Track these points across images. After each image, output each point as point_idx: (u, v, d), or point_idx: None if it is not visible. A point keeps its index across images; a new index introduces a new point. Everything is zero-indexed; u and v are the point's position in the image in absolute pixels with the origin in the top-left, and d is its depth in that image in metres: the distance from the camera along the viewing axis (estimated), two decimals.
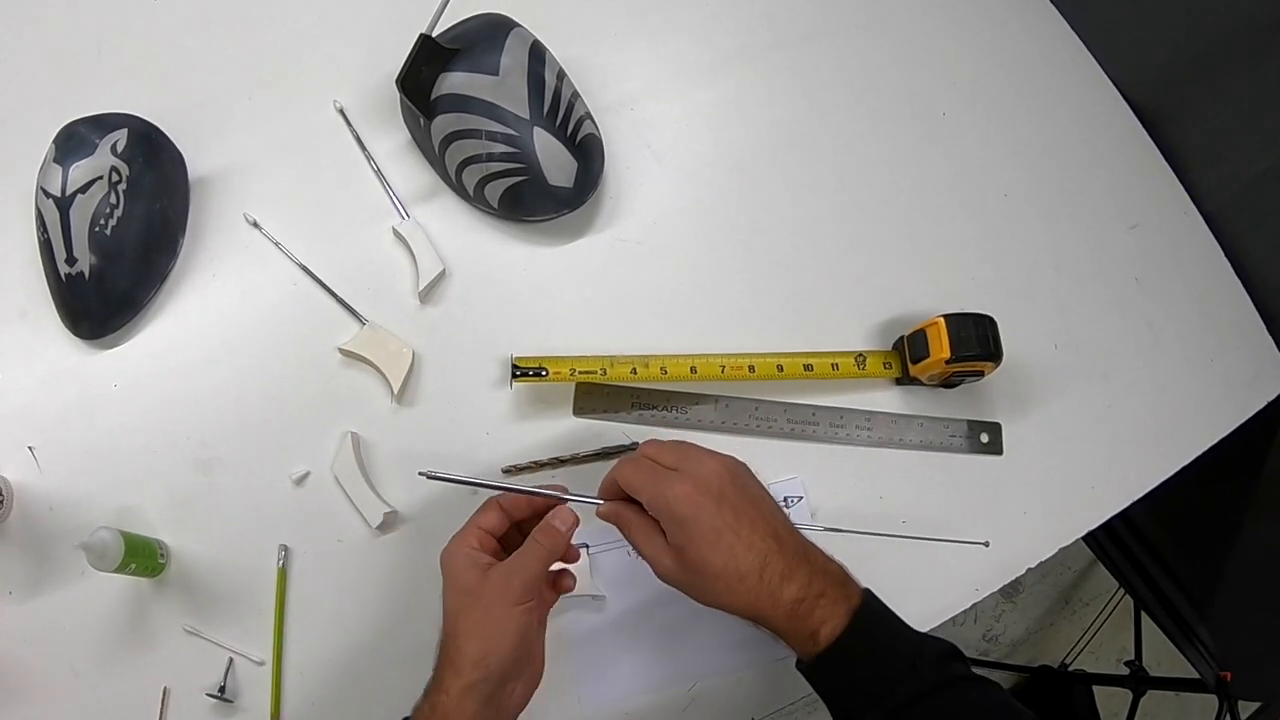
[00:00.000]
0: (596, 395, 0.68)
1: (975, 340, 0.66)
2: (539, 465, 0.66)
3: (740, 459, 0.54)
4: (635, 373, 0.66)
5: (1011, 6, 0.83)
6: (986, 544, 0.65)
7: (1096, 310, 0.76)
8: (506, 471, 0.66)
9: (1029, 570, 0.69)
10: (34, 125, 0.75)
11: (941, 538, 0.65)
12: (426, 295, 0.70)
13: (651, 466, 0.52)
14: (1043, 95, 0.81)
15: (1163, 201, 0.79)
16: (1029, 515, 0.71)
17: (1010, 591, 0.69)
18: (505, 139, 0.67)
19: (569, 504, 0.55)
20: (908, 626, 0.53)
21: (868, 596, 0.52)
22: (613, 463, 0.66)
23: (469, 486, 0.60)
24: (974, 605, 0.68)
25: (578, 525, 0.54)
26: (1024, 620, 1.23)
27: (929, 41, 0.80)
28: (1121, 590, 0.95)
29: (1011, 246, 0.76)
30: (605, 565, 0.65)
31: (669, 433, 0.68)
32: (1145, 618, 0.97)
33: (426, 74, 0.69)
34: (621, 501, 0.54)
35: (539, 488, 0.56)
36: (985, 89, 0.79)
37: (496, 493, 0.57)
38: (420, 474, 0.55)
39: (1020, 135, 0.79)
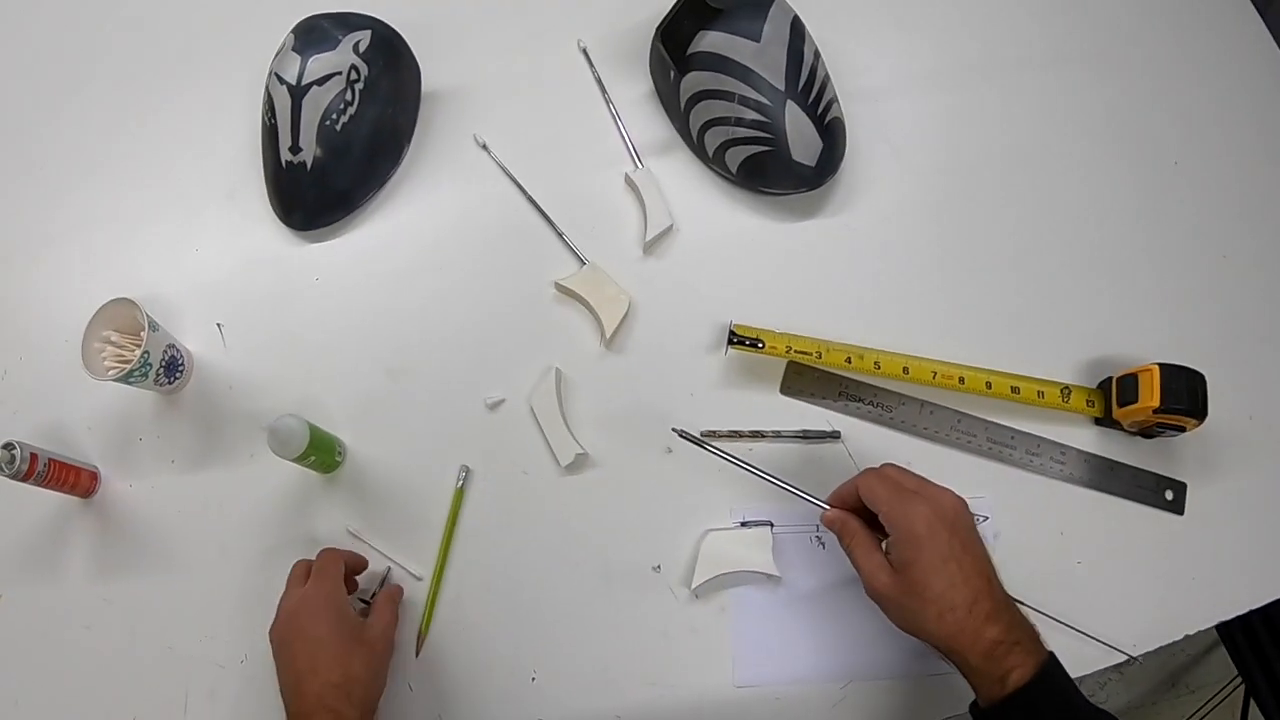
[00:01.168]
0: (807, 377, 0.67)
1: (1186, 394, 0.65)
2: (738, 435, 0.65)
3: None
4: (849, 362, 0.66)
5: (1251, 66, 0.82)
6: (1132, 659, 0.64)
7: None
8: (706, 435, 0.65)
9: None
10: (268, 14, 0.76)
11: (1091, 635, 0.64)
12: (651, 247, 0.69)
13: (895, 484, 0.55)
14: (1271, 160, 0.79)
15: None
16: (1195, 583, 0.69)
17: (1122, 662, 0.67)
18: (757, 106, 0.67)
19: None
20: (1086, 697, 0.53)
21: (1054, 658, 0.53)
22: (813, 446, 0.66)
23: (720, 457, 0.61)
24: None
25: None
26: (1128, 694, 1.21)
27: (1169, 89, 0.79)
28: (1232, 685, 0.92)
29: (1221, 309, 0.75)
30: (785, 547, 0.64)
31: (870, 427, 0.67)
32: (1254, 714, 0.95)
33: (687, 28, 0.68)
34: (849, 512, 0.57)
35: (807, 495, 0.59)
36: (1218, 144, 0.78)
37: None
38: (674, 430, 0.60)
39: (1245, 198, 0.77)
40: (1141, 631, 0.67)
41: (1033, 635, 0.53)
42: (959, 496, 0.55)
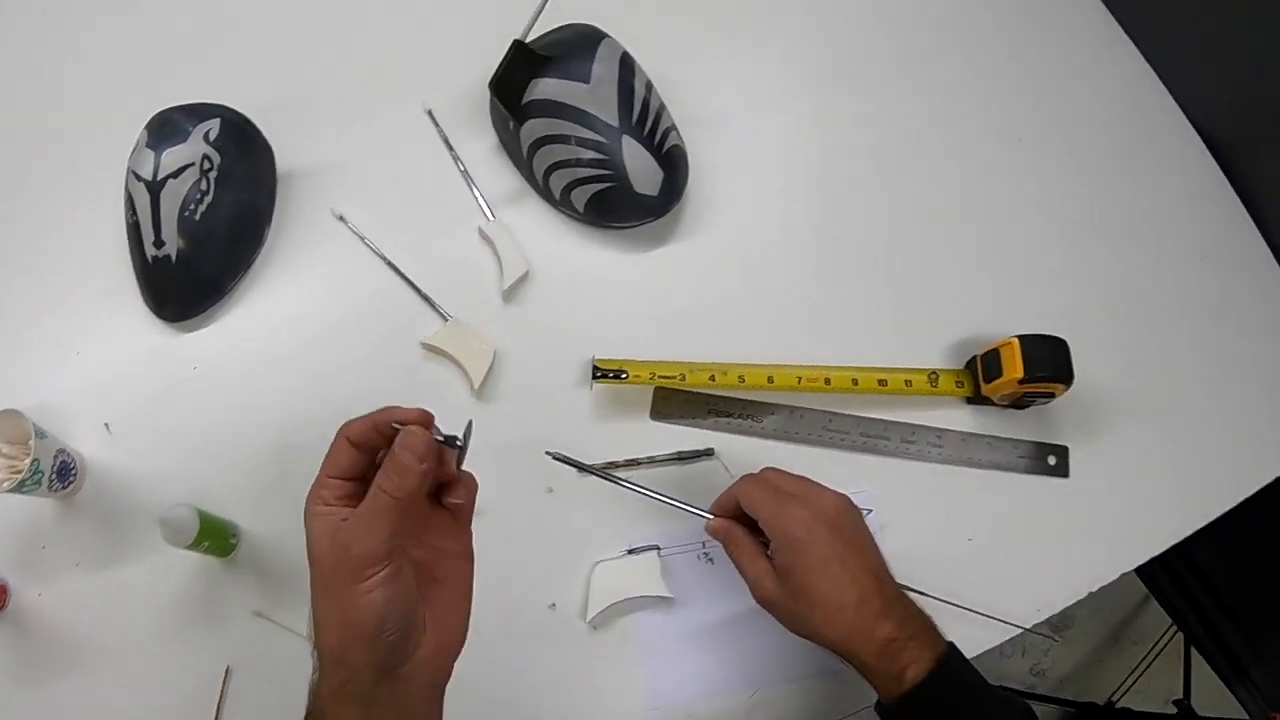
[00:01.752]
0: (674, 400, 0.68)
1: (1048, 361, 0.67)
2: (614, 465, 0.67)
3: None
4: (713, 380, 0.67)
5: (1087, 37, 0.85)
6: (1056, 640, 0.66)
7: (1166, 339, 0.76)
8: (583, 471, 0.66)
9: (1080, 604, 0.69)
10: (126, 111, 0.77)
11: (1010, 621, 0.65)
12: (510, 295, 0.71)
13: (774, 489, 0.55)
14: (1117, 125, 0.82)
15: (1234, 234, 0.80)
16: (1092, 540, 0.71)
17: (1060, 625, 0.69)
18: (594, 145, 0.69)
19: (434, 428, 0.44)
20: (989, 683, 0.53)
21: (952, 648, 0.52)
22: (689, 466, 0.68)
23: (587, 474, 0.62)
24: (1023, 638, 0.68)
25: (431, 450, 0.43)
26: (1072, 655, 1.22)
27: (1007, 69, 0.82)
28: (1172, 630, 0.94)
29: (1085, 273, 0.77)
30: (675, 567, 0.65)
31: (743, 439, 0.69)
32: (1195, 658, 0.96)
33: (519, 79, 0.70)
34: (733, 520, 0.57)
35: (689, 506, 0.58)
36: (1061, 117, 0.81)
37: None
38: (548, 453, 0.60)
39: (1095, 163, 0.80)
40: (1045, 596, 0.68)
41: (928, 627, 0.52)
42: (841, 495, 0.55)
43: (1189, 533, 0.72)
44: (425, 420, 0.44)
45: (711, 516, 0.58)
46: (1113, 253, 0.78)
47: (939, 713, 0.50)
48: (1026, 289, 0.75)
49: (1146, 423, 0.74)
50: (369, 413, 0.44)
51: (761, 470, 0.58)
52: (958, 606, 0.64)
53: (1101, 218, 0.79)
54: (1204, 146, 0.82)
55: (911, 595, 0.56)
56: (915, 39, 0.82)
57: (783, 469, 0.58)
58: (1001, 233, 0.77)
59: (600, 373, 0.66)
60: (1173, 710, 1.01)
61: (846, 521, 0.54)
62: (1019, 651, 1.19)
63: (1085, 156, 0.80)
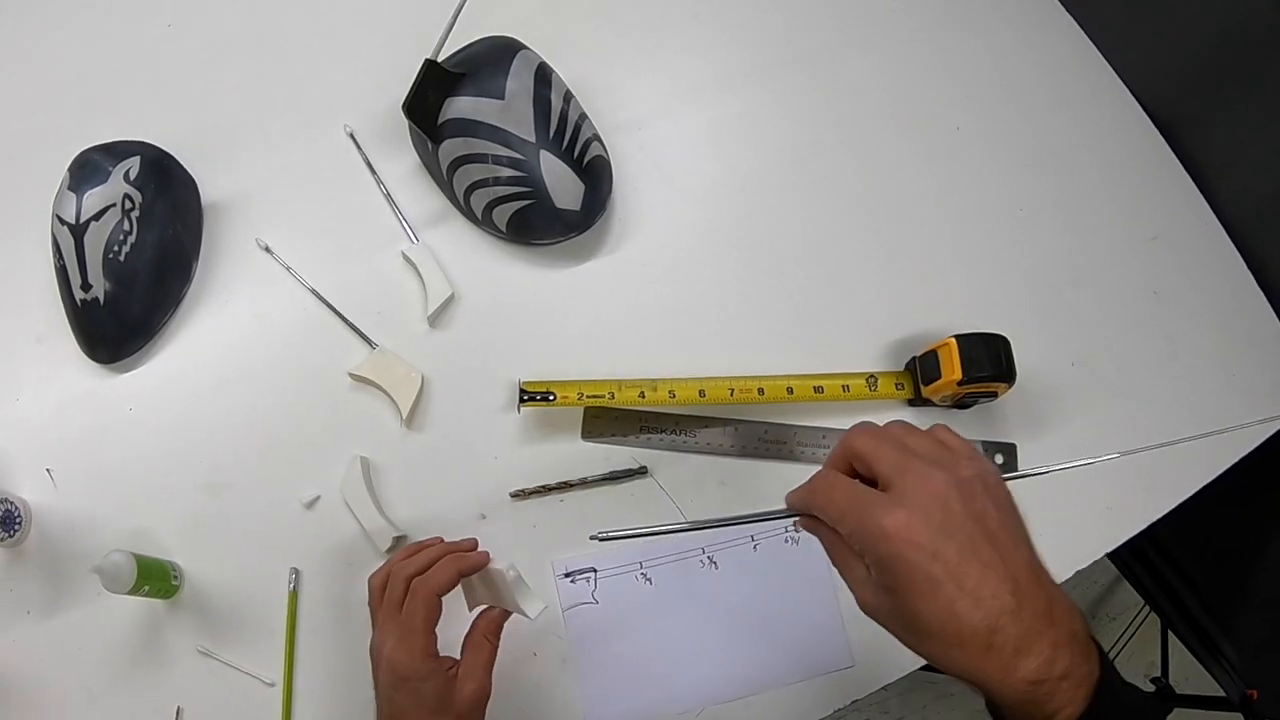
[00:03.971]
0: (605, 419, 0.67)
1: (987, 360, 0.65)
2: (547, 489, 0.66)
3: (990, 465, 0.42)
4: (643, 396, 0.66)
5: (1026, 16, 0.82)
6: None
7: (1114, 326, 0.75)
8: (515, 496, 0.66)
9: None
10: (51, 153, 0.76)
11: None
12: (435, 319, 0.70)
13: (851, 488, 0.41)
14: (1059, 106, 0.79)
15: (1182, 212, 0.78)
16: (1044, 537, 0.69)
17: None
18: (511, 162, 0.67)
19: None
20: (1145, 698, 0.42)
21: (1105, 666, 0.39)
22: (622, 485, 0.67)
23: (637, 537, 0.47)
24: None
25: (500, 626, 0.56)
26: None
27: (941, 55, 0.79)
28: (1147, 608, 0.93)
29: (1027, 262, 0.75)
30: (614, 588, 0.65)
31: (677, 455, 0.68)
32: (1172, 636, 0.95)
33: (433, 99, 0.69)
34: (817, 520, 0.43)
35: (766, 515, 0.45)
36: (1000, 102, 0.78)
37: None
38: (593, 538, 0.46)
39: (1036, 148, 0.78)
40: None
41: (1085, 647, 0.39)
42: (964, 468, 0.40)
43: (1145, 526, 0.70)
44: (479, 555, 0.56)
45: (791, 516, 0.45)
46: (1058, 239, 0.76)
47: None
48: (967, 284, 0.74)
49: (1098, 413, 0.72)
50: (438, 560, 0.54)
51: (844, 440, 0.43)
52: None
53: (1045, 204, 0.77)
54: (1151, 124, 0.80)
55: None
56: (839, 29, 0.80)
57: (874, 429, 0.43)
58: (940, 227, 0.75)
59: (527, 396, 0.65)
60: (1152, 689, 1.00)
61: (965, 515, 0.38)
62: None
63: (1027, 140, 0.78)
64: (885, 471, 0.40)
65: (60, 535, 0.72)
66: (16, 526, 0.70)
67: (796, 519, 0.45)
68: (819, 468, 0.56)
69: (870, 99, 0.78)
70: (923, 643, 0.39)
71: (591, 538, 0.47)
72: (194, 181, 0.76)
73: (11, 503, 0.70)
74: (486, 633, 0.54)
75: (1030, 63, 0.80)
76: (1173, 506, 0.71)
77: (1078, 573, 0.68)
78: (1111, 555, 0.72)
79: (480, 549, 0.58)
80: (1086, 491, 0.70)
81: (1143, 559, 0.91)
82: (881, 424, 0.44)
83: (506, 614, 0.56)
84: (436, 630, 0.53)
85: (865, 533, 0.39)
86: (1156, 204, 0.78)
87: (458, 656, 0.55)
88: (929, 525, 0.38)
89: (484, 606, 0.57)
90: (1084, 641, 0.39)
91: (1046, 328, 0.74)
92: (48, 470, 0.73)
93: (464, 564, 0.54)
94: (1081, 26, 0.81)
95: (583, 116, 0.71)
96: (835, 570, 0.43)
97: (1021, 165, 0.77)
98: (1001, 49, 0.81)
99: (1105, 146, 0.79)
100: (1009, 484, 0.43)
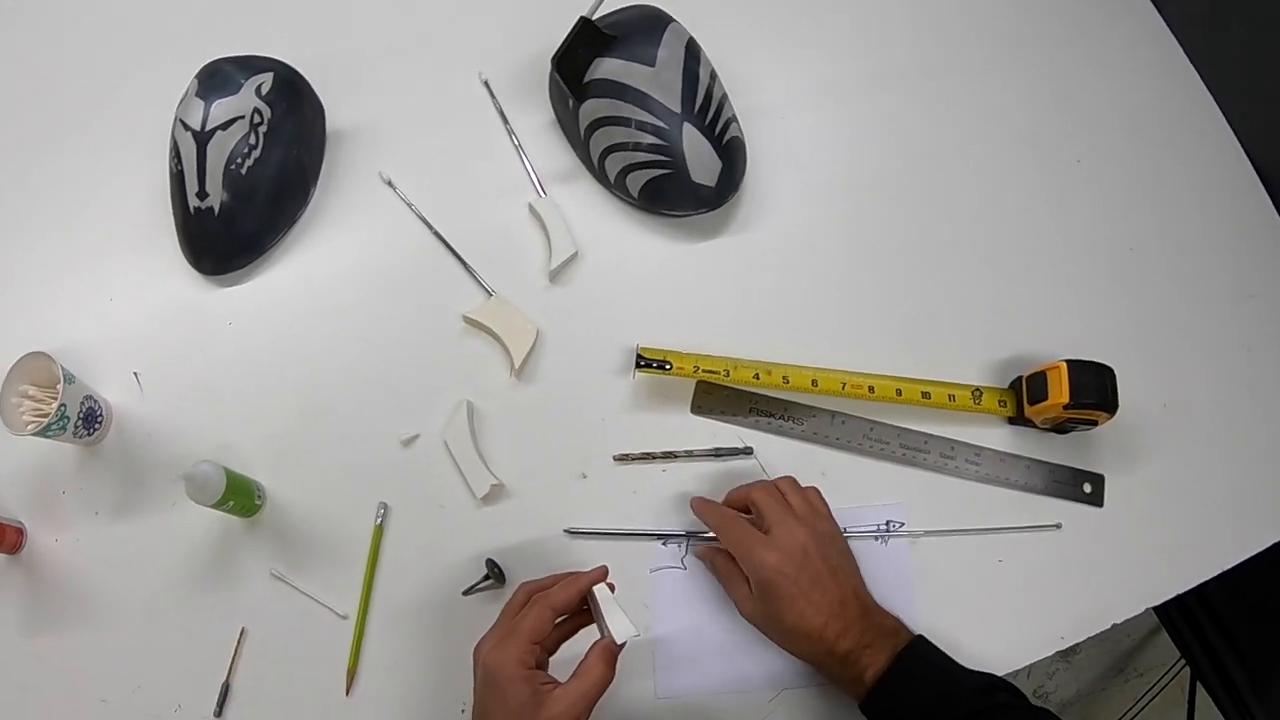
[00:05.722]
0: (716, 396, 0.68)
1: (1095, 389, 0.66)
2: (651, 457, 0.66)
3: (837, 526, 0.62)
4: (757, 378, 0.66)
5: (1153, 64, 0.83)
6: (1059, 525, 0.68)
7: (1206, 375, 0.76)
8: (619, 459, 0.66)
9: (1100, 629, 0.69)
10: (172, 60, 0.76)
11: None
12: (556, 275, 0.70)
13: (744, 528, 0.59)
14: (1173, 154, 0.80)
15: None
16: (1121, 572, 0.70)
17: (1067, 651, 0.69)
18: (654, 130, 0.68)
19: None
20: (955, 665, 0.57)
21: (917, 641, 0.57)
22: (726, 463, 0.67)
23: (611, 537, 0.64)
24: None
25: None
26: (1076, 682, 1.22)
27: (1069, 87, 0.81)
28: (1178, 665, 0.94)
29: (1131, 300, 0.76)
30: (703, 568, 0.65)
31: (782, 440, 0.68)
32: (1199, 696, 0.96)
33: (582, 57, 0.69)
34: (718, 549, 0.62)
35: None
36: (1119, 141, 0.79)
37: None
38: (566, 531, 0.63)
39: (1149, 191, 0.79)
40: (1069, 624, 0.68)
41: (892, 631, 0.58)
42: (816, 527, 0.60)
43: (1216, 573, 0.71)
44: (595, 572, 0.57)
45: (686, 542, 0.64)
46: (1161, 283, 0.77)
47: (895, 702, 0.55)
48: (1072, 313, 0.75)
49: (1182, 459, 0.73)
50: (558, 581, 0.55)
51: (747, 490, 0.62)
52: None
53: (1152, 246, 0.78)
54: (1259, 183, 0.81)
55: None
56: (980, 47, 0.81)
57: (770, 486, 0.62)
58: (1052, 253, 0.76)
59: (644, 362, 0.65)
60: None
61: (818, 557, 0.58)
62: (1024, 673, 1.19)
63: (1141, 183, 0.79)
64: (769, 520, 0.59)
65: (140, 441, 0.71)
66: (97, 425, 0.70)
67: (695, 549, 0.64)
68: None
69: (999, 120, 0.79)
70: (784, 637, 0.58)
71: (566, 530, 0.64)
72: (322, 106, 0.75)
73: (95, 401, 0.69)
74: (598, 658, 0.52)
75: (1150, 108, 0.82)
76: (1243, 559, 0.72)
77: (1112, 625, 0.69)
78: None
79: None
80: (1165, 533, 0.70)
81: (1185, 611, 0.92)
82: (775, 477, 0.63)
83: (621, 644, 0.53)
84: (549, 645, 0.55)
85: (751, 560, 0.58)
86: (1257, 263, 0.79)
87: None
88: (791, 562, 0.57)
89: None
90: (893, 632, 0.57)
91: (1143, 367, 0.74)
92: (135, 374, 0.72)
93: (583, 582, 0.54)
94: (1204, 81, 0.83)
95: (725, 96, 0.71)
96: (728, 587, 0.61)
97: (1134, 206, 0.78)
98: (1125, 91, 0.82)
99: (1213, 200, 0.80)
100: (900, 539, 0.67)
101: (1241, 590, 0.88)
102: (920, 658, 0.57)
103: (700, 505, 0.63)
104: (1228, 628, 0.90)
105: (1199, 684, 0.95)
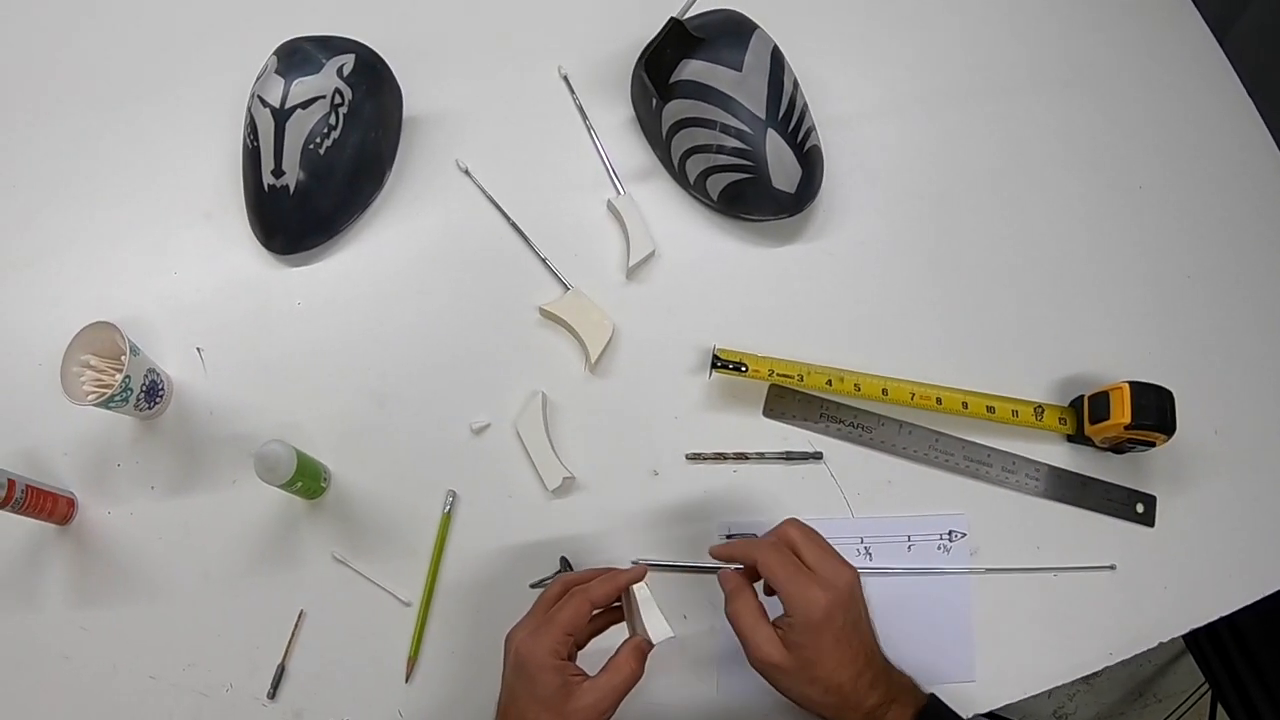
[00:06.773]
0: (789, 400, 0.68)
1: (1155, 411, 0.67)
2: (723, 457, 0.66)
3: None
4: (830, 384, 0.67)
5: (1214, 97, 0.85)
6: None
7: (1256, 405, 0.77)
8: (691, 458, 0.66)
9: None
10: (247, 35, 0.75)
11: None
12: (634, 273, 0.70)
13: (794, 562, 0.54)
14: (1230, 184, 0.82)
15: None
16: (1169, 593, 0.72)
17: (1088, 675, 0.70)
18: (738, 134, 0.68)
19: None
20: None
21: (933, 700, 0.56)
22: (795, 466, 0.67)
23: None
24: None
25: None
26: (1096, 704, 1.23)
27: (1134, 116, 0.82)
28: (1197, 693, 0.95)
29: (1187, 327, 0.77)
30: None
31: (850, 447, 0.68)
32: None
33: (670, 57, 0.69)
34: (743, 576, 0.56)
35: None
36: (1179, 171, 0.81)
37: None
38: (633, 562, 0.61)
39: (1207, 221, 0.80)
40: (1116, 640, 0.69)
41: (909, 688, 0.56)
42: (852, 571, 0.55)
43: (1255, 599, 0.72)
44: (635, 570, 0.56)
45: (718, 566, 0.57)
46: (1216, 313, 0.78)
47: None
48: (1130, 336, 0.76)
49: (1233, 485, 0.74)
50: (598, 576, 0.55)
51: (783, 526, 0.56)
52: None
53: (1209, 278, 0.79)
54: None
55: None
56: (1054, 71, 0.82)
57: (804, 525, 0.56)
58: (1118, 276, 0.77)
59: (720, 363, 0.65)
60: None
61: (857, 603, 0.55)
62: (1046, 693, 1.20)
63: (1199, 212, 0.81)
64: (810, 558, 0.54)
65: (200, 417, 0.70)
66: (159, 399, 0.69)
67: (720, 572, 0.56)
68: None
69: (1067, 143, 0.80)
70: (811, 684, 0.53)
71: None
72: (401, 90, 0.75)
73: (158, 375, 0.69)
74: (629, 654, 0.52)
75: (1209, 139, 0.83)
76: (1271, 591, 0.73)
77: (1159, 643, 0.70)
78: None
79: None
80: (1212, 557, 0.71)
81: (1213, 637, 0.94)
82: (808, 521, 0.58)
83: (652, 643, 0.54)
84: (580, 639, 0.54)
85: (802, 598, 0.52)
86: None
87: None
88: (840, 605, 0.52)
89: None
90: (911, 690, 0.56)
91: (1197, 392, 0.76)
92: (198, 349, 0.71)
93: (621, 580, 0.54)
94: (1260, 114, 0.85)
95: (806, 105, 0.72)
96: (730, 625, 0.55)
97: (1192, 235, 0.80)
98: (1186, 122, 0.83)
99: (1270, 232, 0.82)
100: (959, 575, 0.66)
101: (1272, 618, 0.89)
102: (940, 714, 0.56)
103: (728, 546, 0.58)
104: (1255, 655, 0.91)
105: (1220, 709, 0.97)
